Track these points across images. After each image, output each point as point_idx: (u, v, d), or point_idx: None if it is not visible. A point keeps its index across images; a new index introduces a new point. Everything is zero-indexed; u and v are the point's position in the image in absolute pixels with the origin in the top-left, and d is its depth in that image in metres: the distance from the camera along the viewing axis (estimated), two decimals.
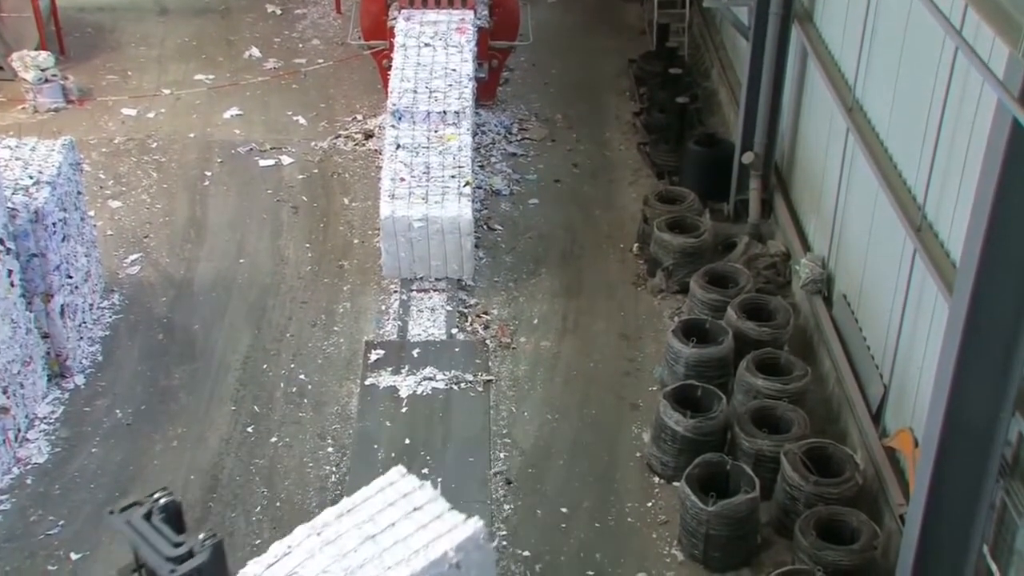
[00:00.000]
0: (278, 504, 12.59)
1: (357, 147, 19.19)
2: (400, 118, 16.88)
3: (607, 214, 17.72)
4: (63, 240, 13.85)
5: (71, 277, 14.12)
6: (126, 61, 21.70)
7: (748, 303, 14.31)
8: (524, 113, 20.40)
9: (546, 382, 14.40)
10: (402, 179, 15.96)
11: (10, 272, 12.99)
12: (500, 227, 17.31)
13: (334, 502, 12.44)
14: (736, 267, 15.28)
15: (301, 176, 18.43)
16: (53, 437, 13.39)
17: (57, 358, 14.01)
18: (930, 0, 9.80)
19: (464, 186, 15.87)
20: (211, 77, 21.15)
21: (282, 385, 14.25)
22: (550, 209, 17.82)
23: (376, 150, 18.80)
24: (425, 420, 13.74)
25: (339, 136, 19.47)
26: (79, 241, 14.45)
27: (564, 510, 12.63)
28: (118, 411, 13.79)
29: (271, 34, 22.83)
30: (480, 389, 14.21)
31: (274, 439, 13.46)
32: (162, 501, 9.35)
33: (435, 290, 15.75)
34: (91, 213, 15.76)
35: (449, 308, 15.46)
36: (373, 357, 14.61)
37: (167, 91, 20.60)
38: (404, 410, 13.87)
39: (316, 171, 18.56)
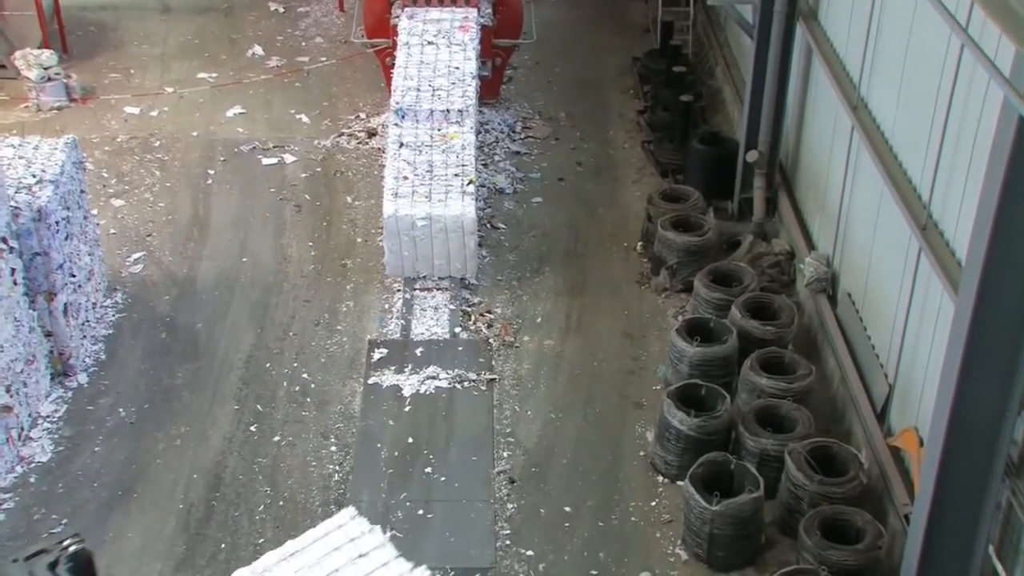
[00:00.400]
0: (281, 503, 12.58)
1: (360, 145, 19.17)
2: (403, 116, 16.86)
3: (611, 212, 17.69)
4: (66, 239, 13.84)
5: (74, 276, 14.11)
6: (129, 59, 21.69)
7: (752, 302, 14.28)
8: (528, 111, 20.37)
9: (549, 381, 14.38)
10: (405, 177, 15.93)
11: (13, 271, 12.98)
12: (504, 225, 17.28)
13: (337, 501, 12.50)
14: (740, 266, 15.25)
15: (304, 174, 18.41)
16: (56, 436, 13.38)
17: (60, 357, 14.00)
18: None
19: (467, 185, 15.84)
20: (214, 75, 21.13)
21: (285, 384, 14.23)
22: (554, 207, 17.79)
23: (379, 148, 18.77)
24: (428, 419, 13.72)
25: (342, 134, 19.45)
26: (82, 240, 14.43)
27: (567, 509, 12.61)
28: (121, 410, 13.78)
29: (274, 32, 22.81)
30: (483, 388, 14.18)
31: (277, 438, 13.45)
32: (71, 549, 8.86)
33: (438, 289, 15.73)
34: (94, 212, 15.73)
35: (452, 307, 15.43)
36: (376, 356, 14.59)
37: (170, 89, 20.58)
38: (407, 409, 13.85)
39: (319, 169, 18.54)
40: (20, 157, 13.91)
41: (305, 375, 14.37)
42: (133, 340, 14.86)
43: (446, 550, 12.06)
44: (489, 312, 15.47)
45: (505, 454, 13.29)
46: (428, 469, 13.04)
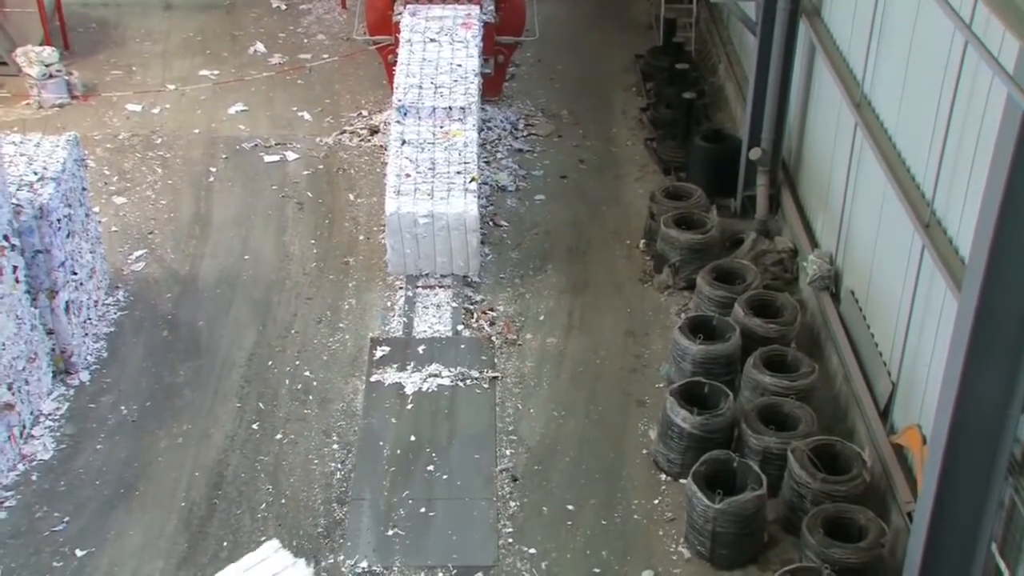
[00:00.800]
0: (283, 501, 12.57)
1: (362, 143, 19.15)
2: (405, 114, 16.83)
3: (613, 210, 17.67)
4: (68, 236, 13.83)
5: (76, 273, 14.10)
6: (130, 56, 21.67)
7: (755, 299, 14.26)
8: (530, 109, 20.35)
9: (552, 379, 14.36)
10: (407, 175, 15.91)
11: (15, 268, 12.97)
12: (506, 223, 17.26)
13: (339, 499, 12.48)
14: (743, 263, 15.22)
15: (306, 172, 18.40)
16: (58, 434, 13.38)
17: (62, 355, 14.00)
18: None
19: (470, 182, 15.82)
20: (216, 73, 21.12)
21: (287, 382, 14.21)
22: (556, 205, 17.76)
23: (381, 146, 18.76)
24: (431, 417, 13.71)
25: (344, 132, 19.43)
26: (84, 237, 14.42)
27: (570, 507, 12.59)
28: (123, 408, 13.78)
29: (276, 29, 22.79)
30: (486, 386, 14.17)
31: (279, 436, 13.43)
32: None
33: (441, 286, 15.71)
34: (96, 209, 15.71)
35: (455, 304, 15.41)
36: (378, 354, 14.58)
37: (172, 87, 20.57)
38: (410, 407, 13.84)
39: (321, 167, 18.53)
40: (22, 154, 13.91)
41: (307, 373, 14.35)
42: (135, 338, 14.85)
43: (448, 548, 12.05)
44: (492, 310, 15.46)
45: (507, 452, 13.27)
46: (430, 467, 13.03)
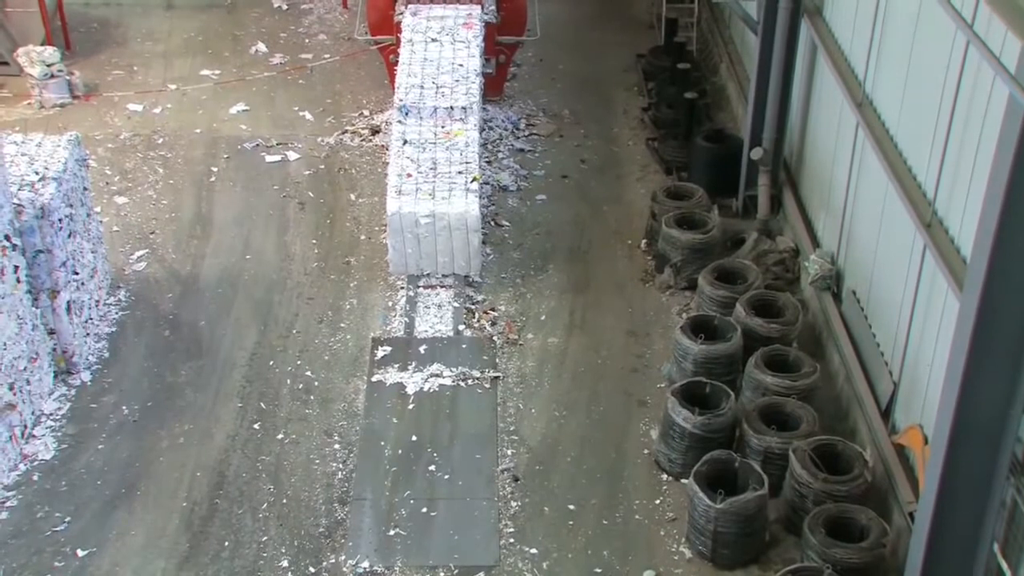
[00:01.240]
0: (284, 501, 12.57)
1: (364, 143, 19.15)
2: (407, 114, 16.82)
3: (615, 210, 17.66)
4: (69, 236, 13.83)
5: (77, 273, 14.10)
6: (132, 56, 21.67)
7: (757, 299, 14.25)
8: (532, 109, 20.34)
9: (553, 379, 14.35)
10: (409, 175, 15.90)
11: (16, 268, 12.97)
12: (507, 223, 17.25)
13: (340, 499, 12.48)
14: (745, 263, 15.22)
15: (307, 172, 18.39)
16: (60, 434, 13.38)
17: (63, 354, 14.00)
18: None
19: (471, 182, 15.81)
20: (217, 72, 21.12)
21: (288, 382, 14.21)
22: (558, 205, 17.76)
23: (383, 146, 18.76)
24: (432, 417, 13.70)
25: (345, 132, 19.43)
26: (85, 237, 14.42)
27: (571, 507, 12.59)
28: (124, 408, 13.77)
29: (277, 29, 22.78)
30: (487, 386, 14.16)
31: (280, 436, 13.43)
32: None
33: (442, 286, 15.71)
34: (97, 209, 15.71)
35: (456, 304, 15.41)
36: (380, 354, 14.58)
37: (173, 87, 20.57)
38: (411, 407, 13.83)
39: (322, 167, 18.52)
40: (23, 154, 13.91)
41: (309, 373, 14.35)
42: (136, 338, 14.85)
43: (450, 548, 12.04)
44: (493, 310, 15.45)
45: (509, 452, 13.27)
46: (432, 467, 13.03)
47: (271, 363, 14.49)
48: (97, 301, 14.90)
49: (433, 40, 18.20)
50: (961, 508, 9.24)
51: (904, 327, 12.07)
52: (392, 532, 12.22)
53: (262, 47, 22.02)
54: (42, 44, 20.25)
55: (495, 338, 14.93)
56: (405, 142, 16.45)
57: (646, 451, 13.27)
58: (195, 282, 15.88)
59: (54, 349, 13.86)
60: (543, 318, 15.35)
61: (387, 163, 17.06)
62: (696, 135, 17.86)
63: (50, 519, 12.29)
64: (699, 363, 13.48)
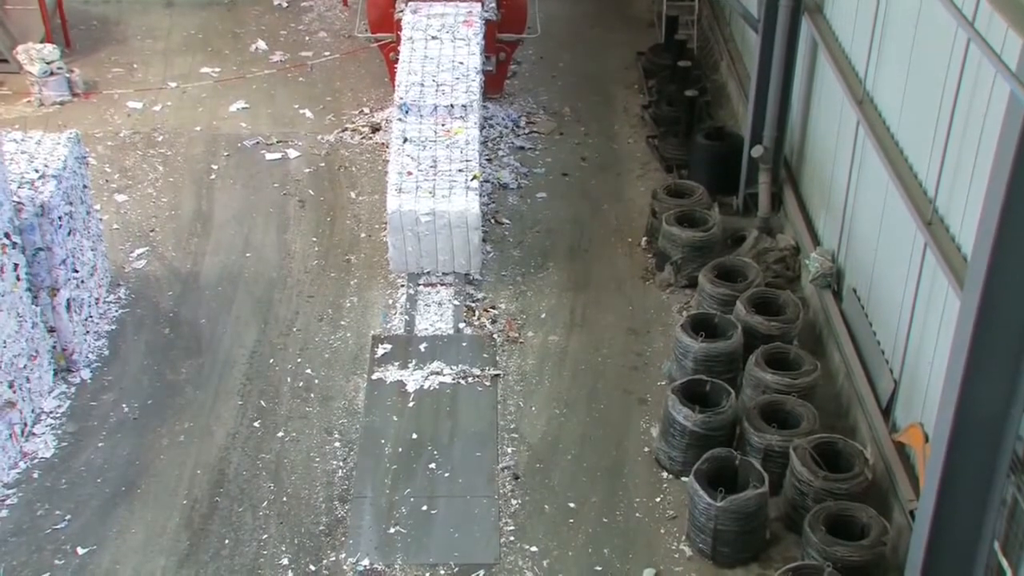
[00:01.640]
0: (284, 499, 12.56)
1: (364, 140, 19.13)
2: (407, 112, 16.81)
3: (615, 208, 17.65)
4: (69, 234, 13.82)
5: (77, 271, 14.09)
6: (132, 54, 21.65)
7: (757, 297, 14.23)
8: (532, 106, 20.32)
9: (554, 377, 14.34)
10: (409, 173, 15.89)
11: (16, 266, 12.96)
12: (508, 221, 17.24)
13: (341, 497, 12.48)
14: (745, 261, 15.21)
15: (308, 170, 18.38)
16: (59, 431, 13.37)
17: (63, 352, 13.99)
18: None
19: (471, 180, 15.79)
20: (217, 70, 21.10)
21: (289, 380, 14.21)
22: (558, 203, 17.75)
23: (383, 143, 18.74)
24: (432, 415, 13.70)
25: (346, 129, 19.41)
26: (85, 235, 14.41)
27: (572, 505, 12.58)
28: (124, 406, 13.77)
29: (277, 27, 22.76)
30: (487, 384, 14.16)
31: (281, 434, 13.42)
32: None
33: (442, 284, 15.70)
34: (97, 207, 15.69)
35: (456, 302, 15.40)
36: (380, 351, 14.57)
37: (173, 84, 20.55)
38: (411, 405, 13.83)
39: (323, 165, 18.51)
40: (23, 152, 13.89)
41: (309, 371, 14.34)
42: (136, 336, 14.85)
43: (450, 546, 12.04)
44: (493, 308, 15.44)
45: (509, 450, 13.26)
46: (432, 465, 13.02)
47: (271, 361, 14.48)
48: (97, 299, 14.90)
49: (433, 38, 18.18)
50: (962, 506, 9.23)
51: (905, 325, 12.06)
52: (392, 530, 12.22)
53: (262, 45, 22.00)
54: (42, 41, 20.23)
55: (495, 336, 14.92)
56: (405, 140, 16.44)
57: (646, 449, 13.27)
58: (195, 280, 15.87)
59: (54, 347, 13.86)
60: (543, 316, 15.34)
61: (387, 161, 17.05)
62: (697, 133, 17.84)
63: (50, 517, 12.29)
64: (699, 361, 13.47)
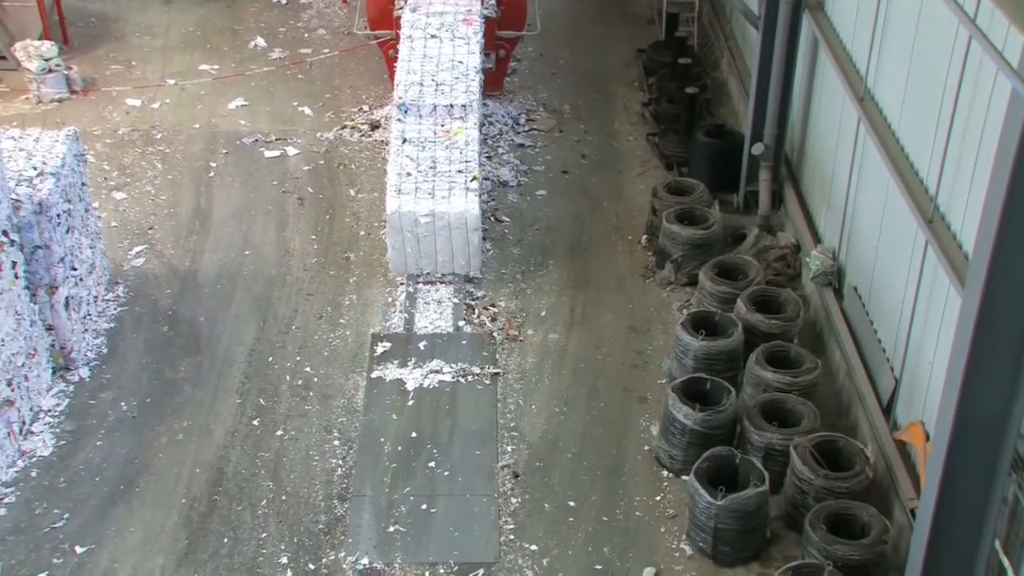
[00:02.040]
0: (284, 498, 12.53)
1: (363, 138, 19.10)
2: (406, 112, 16.74)
3: (615, 205, 17.61)
4: (67, 232, 13.78)
5: (75, 269, 14.06)
6: (130, 51, 21.62)
7: (758, 295, 14.21)
8: (532, 103, 20.29)
9: (554, 375, 14.31)
10: (408, 174, 15.84)
11: (14, 264, 12.93)
12: (507, 219, 17.21)
13: (340, 496, 12.45)
14: (746, 259, 15.18)
15: (307, 167, 18.35)
16: (58, 430, 13.34)
17: (62, 351, 13.96)
18: None
19: (471, 181, 15.74)
20: (216, 67, 21.07)
21: (288, 378, 14.18)
22: (558, 200, 17.72)
23: (382, 141, 18.71)
24: (432, 413, 13.67)
25: (345, 127, 19.38)
26: (83, 233, 14.38)
27: (572, 504, 12.55)
28: (123, 404, 13.74)
29: (276, 24, 22.74)
30: (487, 382, 14.13)
31: (280, 432, 13.40)
32: None
33: (442, 282, 15.67)
34: (95, 205, 15.67)
35: (456, 300, 15.38)
36: (379, 350, 14.54)
37: (172, 81, 20.52)
38: (411, 403, 13.80)
39: (322, 162, 18.47)
40: (21, 149, 13.86)
41: (308, 369, 14.31)
42: (135, 334, 14.81)
43: (450, 545, 12.02)
44: (493, 306, 15.41)
45: (509, 448, 13.23)
46: (431, 463, 13.00)
47: (270, 359, 14.45)
48: (96, 297, 14.86)
49: (432, 36, 18.13)
50: (963, 505, 9.20)
51: (906, 323, 12.03)
52: (392, 529, 12.19)
53: (261, 42, 21.96)
54: (40, 38, 20.21)
55: (495, 334, 14.89)
56: (404, 141, 16.38)
57: (647, 447, 13.24)
58: (194, 278, 15.84)
59: (52, 345, 13.83)
60: (543, 314, 15.31)
61: (386, 158, 17.01)
62: (697, 130, 17.82)
63: (48, 515, 12.26)
64: (700, 359, 13.44)
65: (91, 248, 14.67)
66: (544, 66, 21.56)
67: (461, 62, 17.56)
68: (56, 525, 12.16)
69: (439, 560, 11.86)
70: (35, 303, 13.41)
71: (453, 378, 14.15)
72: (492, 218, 17.08)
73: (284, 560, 11.81)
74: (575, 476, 12.89)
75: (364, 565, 11.78)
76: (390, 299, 15.47)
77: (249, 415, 13.62)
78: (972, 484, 9.10)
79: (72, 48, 21.39)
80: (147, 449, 13.13)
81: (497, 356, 14.52)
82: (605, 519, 12.36)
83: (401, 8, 18.85)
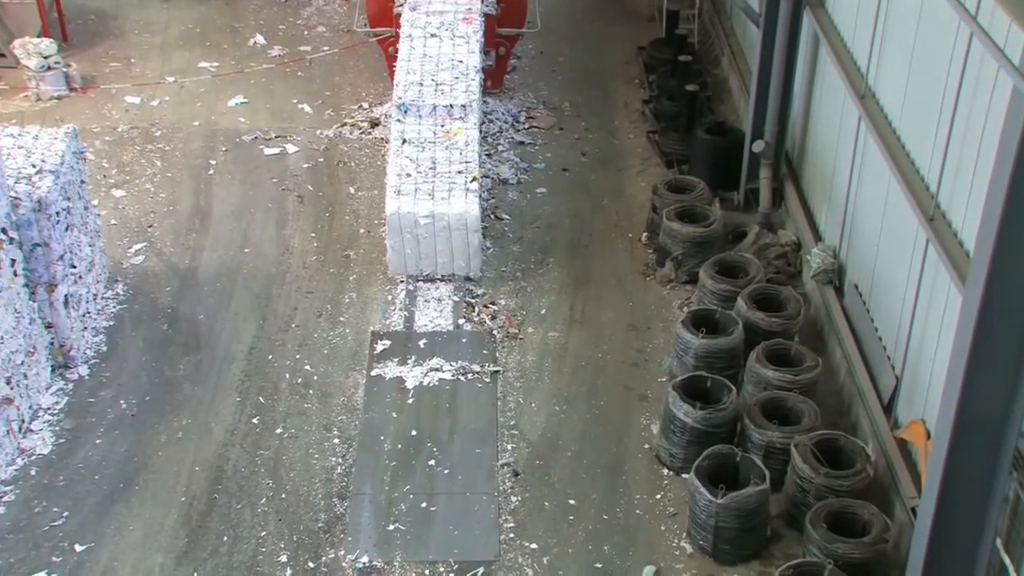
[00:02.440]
0: (283, 496, 12.51)
1: (363, 135, 19.08)
2: (406, 112, 16.68)
3: (616, 203, 17.59)
4: (66, 230, 13.76)
5: (75, 267, 14.04)
6: (129, 48, 21.60)
7: (758, 293, 14.19)
8: (532, 101, 20.27)
9: (554, 373, 14.29)
10: (408, 175, 15.80)
11: (13, 262, 12.91)
12: (507, 216, 17.19)
13: (340, 494, 12.43)
14: (746, 257, 15.16)
15: (306, 165, 18.32)
16: (57, 428, 13.32)
17: (61, 348, 13.94)
18: None
19: (471, 182, 15.70)
20: (215, 65, 21.04)
21: (287, 376, 14.16)
22: (558, 198, 17.69)
23: (382, 138, 18.69)
24: (432, 411, 13.65)
25: (345, 124, 19.36)
26: (83, 231, 14.36)
27: (572, 502, 12.54)
28: (122, 402, 13.72)
29: (276, 21, 22.71)
30: (487, 380, 14.11)
31: (279, 430, 13.38)
32: None
33: (442, 280, 15.66)
34: (95, 202, 15.67)
35: (456, 298, 15.36)
36: (379, 348, 14.53)
37: (171, 79, 20.49)
38: (410, 401, 13.78)
39: (322, 160, 18.45)
40: (20, 147, 13.84)
41: (308, 367, 14.30)
42: (134, 332, 14.79)
43: (449, 543, 12.00)
44: (493, 304, 15.39)
45: (509, 446, 13.21)
46: (431, 462, 12.98)
47: (270, 357, 14.43)
48: (95, 295, 14.84)
49: (432, 35, 18.09)
50: (964, 503, 9.18)
51: (907, 321, 12.01)
52: (392, 527, 12.18)
53: (260, 39, 21.94)
54: (39, 36, 20.19)
55: (495, 332, 14.87)
56: (404, 141, 16.33)
57: (647, 446, 13.22)
58: (193, 276, 15.82)
59: (51, 343, 13.81)
60: (543, 312, 15.29)
61: (386, 156, 16.98)
62: (697, 128, 17.78)
63: (48, 514, 12.24)
64: (700, 357, 13.42)
65: (90, 246, 14.65)
66: (544, 63, 21.54)
67: (461, 61, 17.52)
68: (55, 523, 12.14)
69: (439, 558, 11.84)
70: (34, 301, 13.39)
71: (453, 376, 14.13)
72: (492, 216, 17.06)
73: (284, 558, 11.79)
74: (575, 474, 12.87)
75: (364, 563, 11.77)
76: (390, 297, 15.45)
77: (249, 413, 13.60)
78: (973, 482, 9.08)
79: (71, 45, 21.36)
80: (146, 447, 13.11)
81: (497, 354, 14.50)
82: (605, 517, 12.35)
83: (401, 5, 18.81)
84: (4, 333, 12.62)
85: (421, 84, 17.05)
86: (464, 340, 14.69)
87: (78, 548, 11.86)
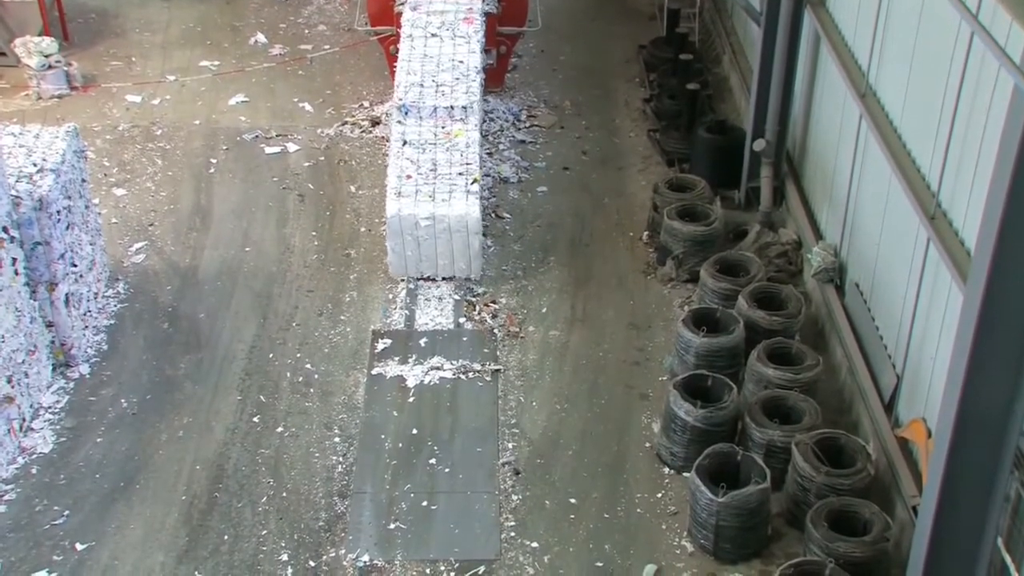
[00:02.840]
0: (284, 495, 12.51)
1: (364, 134, 19.08)
2: (407, 113, 16.66)
3: (616, 202, 17.59)
4: (67, 228, 13.76)
5: (76, 266, 14.04)
6: (130, 47, 21.60)
7: (759, 292, 14.18)
8: (533, 100, 20.26)
9: (555, 372, 14.29)
10: (409, 176, 15.79)
11: (14, 260, 12.91)
12: (508, 215, 17.18)
13: (340, 493, 12.43)
14: (747, 256, 15.15)
15: (307, 163, 18.32)
16: (58, 427, 13.32)
17: (62, 347, 13.94)
18: None
19: (472, 183, 15.69)
20: (216, 63, 21.04)
21: (288, 375, 14.15)
22: (559, 197, 17.69)
23: (383, 137, 18.68)
24: (432, 410, 13.65)
25: (345, 123, 19.36)
26: (83, 229, 14.36)
27: (573, 501, 12.53)
28: (123, 401, 13.72)
29: (277, 20, 22.71)
30: (488, 379, 14.11)
31: (280, 429, 13.37)
32: None
33: (443, 278, 15.64)
34: (95, 201, 15.67)
35: (457, 297, 15.35)
36: (380, 346, 14.52)
37: (172, 78, 20.49)
38: (411, 400, 13.78)
39: (322, 158, 18.45)
40: (21, 146, 13.84)
41: (308, 365, 14.29)
42: (135, 330, 14.79)
43: (450, 542, 11.99)
44: (494, 302, 15.39)
45: (510, 445, 13.21)
46: (432, 460, 12.97)
47: (271, 356, 14.43)
48: (96, 293, 14.84)
49: (433, 35, 18.07)
50: (964, 502, 9.18)
51: (908, 320, 12.00)
52: (392, 526, 12.18)
53: (261, 38, 21.94)
54: (40, 34, 20.20)
55: (496, 331, 14.87)
56: (405, 143, 16.31)
57: (648, 444, 13.22)
58: (194, 274, 15.81)
59: (52, 342, 13.81)
60: (544, 311, 15.29)
61: (387, 154, 16.98)
62: (698, 127, 17.78)
63: (49, 512, 12.24)
64: (701, 356, 13.42)
65: (91, 244, 14.65)
66: (545, 62, 21.53)
67: (462, 62, 17.49)
68: (56, 522, 12.14)
69: (440, 557, 11.84)
70: (35, 300, 13.39)
71: (454, 375, 14.13)
72: (493, 214, 17.06)
73: (284, 557, 11.79)
74: (576, 473, 12.87)
75: (364, 562, 11.76)
76: (391, 296, 15.45)
77: (249, 412, 13.60)
78: (974, 481, 9.07)
79: (72, 44, 21.37)
80: (147, 446, 13.11)
81: (498, 353, 14.50)
82: (606, 516, 12.34)
83: (402, 4, 18.80)
84: (5, 332, 12.62)
85: (422, 85, 17.03)
86: (465, 339, 14.69)
87: (79, 547, 11.86)
